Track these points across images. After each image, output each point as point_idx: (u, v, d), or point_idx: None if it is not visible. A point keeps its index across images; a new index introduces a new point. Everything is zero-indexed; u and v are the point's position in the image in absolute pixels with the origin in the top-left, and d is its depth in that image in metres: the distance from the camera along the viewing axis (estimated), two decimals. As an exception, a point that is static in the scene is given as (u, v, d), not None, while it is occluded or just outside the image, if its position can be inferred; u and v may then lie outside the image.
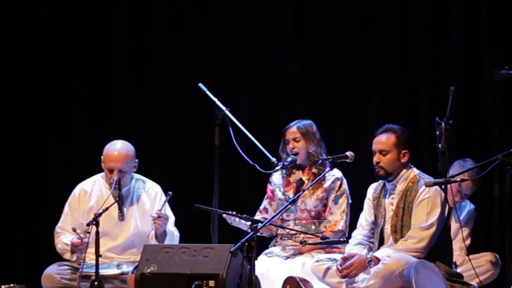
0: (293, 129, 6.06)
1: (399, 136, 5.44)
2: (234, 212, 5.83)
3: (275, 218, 5.64)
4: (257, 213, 6.16)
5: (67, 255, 5.74)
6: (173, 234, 5.90)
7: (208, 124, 6.76)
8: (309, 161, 6.01)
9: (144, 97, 8.35)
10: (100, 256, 5.35)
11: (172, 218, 5.96)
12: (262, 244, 6.23)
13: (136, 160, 5.83)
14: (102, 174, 5.90)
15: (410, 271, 5.02)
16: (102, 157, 5.76)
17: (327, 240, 5.69)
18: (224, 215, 5.95)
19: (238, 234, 5.68)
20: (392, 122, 5.61)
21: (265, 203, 6.19)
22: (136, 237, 5.80)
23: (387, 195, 5.49)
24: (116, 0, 8.14)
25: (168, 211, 5.96)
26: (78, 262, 5.57)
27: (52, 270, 5.68)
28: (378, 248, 5.44)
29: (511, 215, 5.20)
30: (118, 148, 5.74)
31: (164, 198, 5.94)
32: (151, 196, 5.87)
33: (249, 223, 5.36)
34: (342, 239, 5.73)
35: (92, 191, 5.85)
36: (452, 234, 5.60)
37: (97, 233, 5.22)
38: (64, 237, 5.80)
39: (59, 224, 5.87)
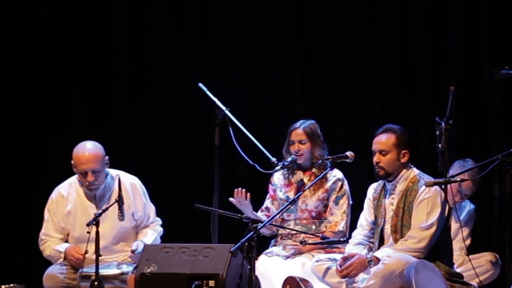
0: (299, 130, 6.02)
1: (399, 136, 5.44)
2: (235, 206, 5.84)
3: (275, 218, 5.64)
4: (259, 211, 6.15)
5: (59, 261, 5.73)
6: (155, 235, 5.88)
7: (208, 124, 6.76)
8: (312, 163, 6.00)
9: (144, 97, 8.35)
10: (100, 255, 5.36)
11: (152, 208, 5.94)
12: (262, 244, 6.23)
13: (107, 157, 5.81)
14: (77, 175, 5.87)
15: (410, 271, 5.01)
16: (72, 161, 5.73)
17: (327, 240, 5.68)
18: (231, 199, 5.92)
19: (238, 234, 5.68)
20: (392, 122, 5.61)
21: (267, 202, 6.18)
22: (120, 234, 5.80)
23: (387, 195, 5.49)
24: (116, 0, 8.14)
25: (147, 201, 5.94)
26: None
27: (55, 270, 5.68)
28: (378, 248, 5.44)
29: (511, 215, 5.20)
30: (87, 149, 5.71)
31: (142, 190, 5.91)
32: (127, 189, 5.82)
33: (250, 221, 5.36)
34: (342, 239, 5.73)
35: (68, 194, 5.85)
36: (452, 234, 5.60)
37: (97, 233, 5.22)
38: (54, 244, 5.78)
39: (43, 231, 5.86)
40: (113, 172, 5.90)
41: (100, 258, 5.33)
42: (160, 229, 6.00)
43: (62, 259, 5.71)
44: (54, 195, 5.90)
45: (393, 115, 7.16)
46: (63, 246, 5.72)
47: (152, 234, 5.86)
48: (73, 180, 5.91)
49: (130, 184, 5.88)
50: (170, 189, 7.68)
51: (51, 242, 5.81)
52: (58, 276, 5.63)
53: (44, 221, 5.88)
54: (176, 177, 7.72)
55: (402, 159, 5.43)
